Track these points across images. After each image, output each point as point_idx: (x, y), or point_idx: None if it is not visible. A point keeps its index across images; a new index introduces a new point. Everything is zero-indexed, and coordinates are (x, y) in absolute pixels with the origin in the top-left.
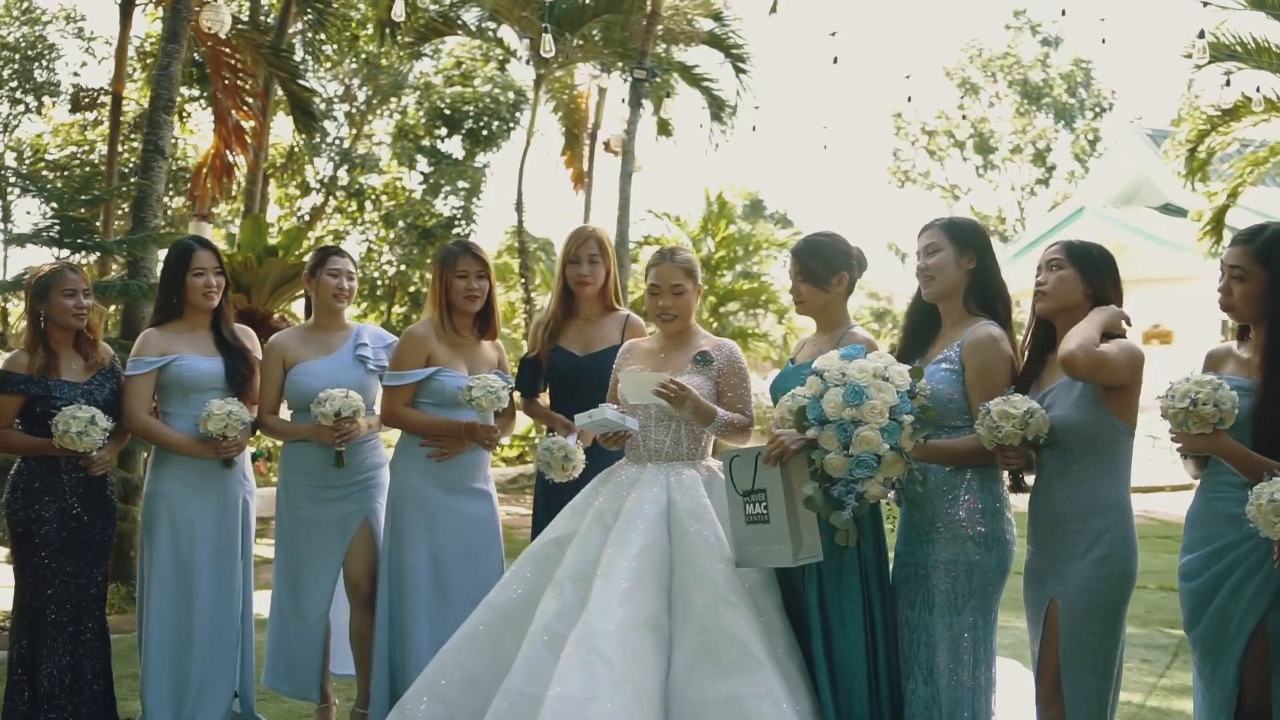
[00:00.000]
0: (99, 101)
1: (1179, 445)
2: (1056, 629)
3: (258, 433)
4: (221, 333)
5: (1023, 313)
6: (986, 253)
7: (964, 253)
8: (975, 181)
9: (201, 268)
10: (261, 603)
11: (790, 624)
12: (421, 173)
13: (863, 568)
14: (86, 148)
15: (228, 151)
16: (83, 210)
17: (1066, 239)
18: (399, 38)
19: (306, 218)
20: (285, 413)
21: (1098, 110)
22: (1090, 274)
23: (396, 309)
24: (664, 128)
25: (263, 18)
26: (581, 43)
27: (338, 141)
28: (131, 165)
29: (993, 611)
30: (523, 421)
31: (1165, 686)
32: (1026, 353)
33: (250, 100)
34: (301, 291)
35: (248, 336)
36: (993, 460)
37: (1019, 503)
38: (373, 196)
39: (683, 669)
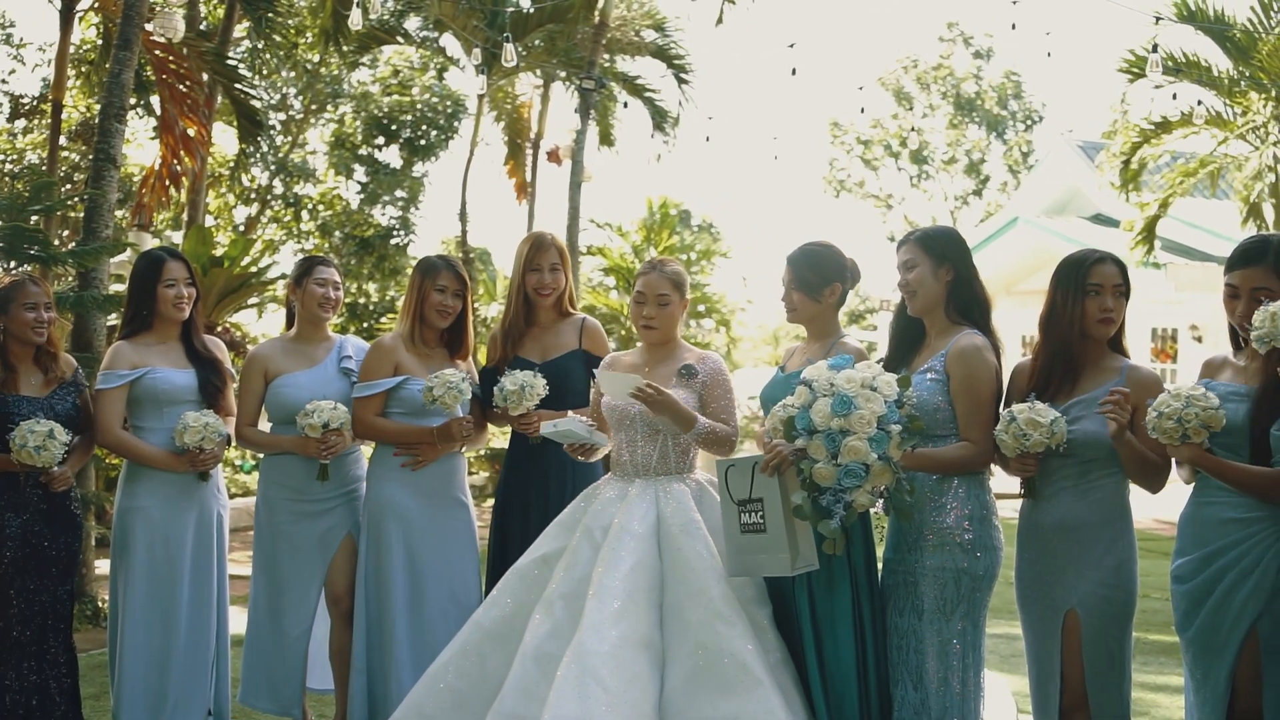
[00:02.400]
0: (39, 109)
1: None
2: (1078, 640)
3: (232, 445)
4: (193, 344)
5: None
6: (962, 261)
7: (940, 264)
8: (909, 191)
9: (173, 278)
10: (236, 619)
11: (783, 639)
12: (359, 182)
13: (853, 576)
14: (15, 156)
15: (175, 161)
16: (34, 220)
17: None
18: (342, 46)
19: (242, 228)
20: (264, 425)
21: (1028, 122)
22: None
23: (334, 319)
24: (606, 138)
25: (200, 26)
26: (525, 52)
27: (273, 151)
28: (63, 174)
29: (981, 618)
30: None
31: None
32: (1037, 367)
33: (198, 108)
34: (250, 302)
35: (218, 348)
36: (978, 468)
37: (1004, 509)
38: (309, 206)
39: (679, 687)
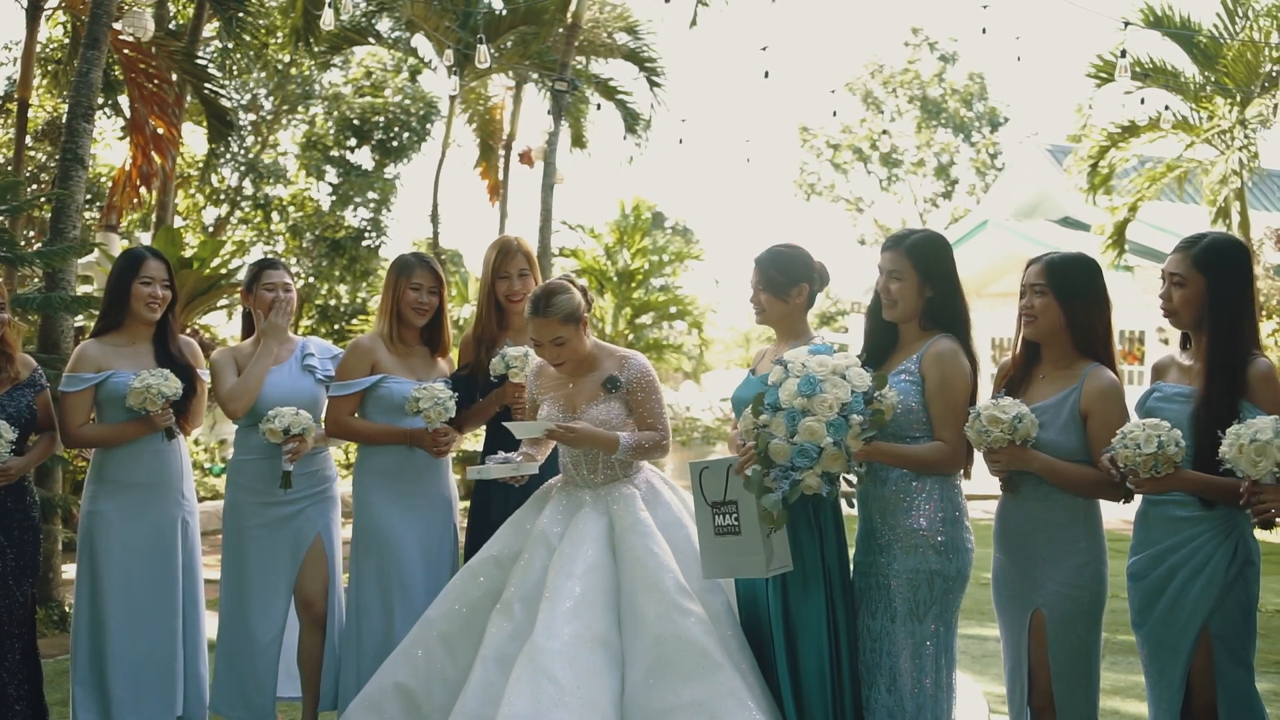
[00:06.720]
0: (5, 108)
1: (1140, 489)
2: (1044, 639)
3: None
4: (168, 348)
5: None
6: (947, 280)
7: (925, 283)
8: (879, 194)
9: (149, 276)
10: (213, 624)
11: (739, 625)
12: (330, 184)
13: (827, 578)
14: None
15: (145, 161)
16: (1, 220)
17: (1049, 257)
18: (313, 46)
19: (211, 229)
20: (230, 429)
21: (994, 125)
22: (1065, 300)
23: (304, 322)
24: (579, 140)
25: (170, 25)
26: (498, 53)
27: (243, 152)
28: (30, 174)
29: (953, 619)
30: None
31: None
32: (1014, 363)
33: (167, 107)
34: (219, 304)
35: (193, 353)
36: (950, 469)
37: (975, 510)
38: (279, 208)
39: (639, 682)
